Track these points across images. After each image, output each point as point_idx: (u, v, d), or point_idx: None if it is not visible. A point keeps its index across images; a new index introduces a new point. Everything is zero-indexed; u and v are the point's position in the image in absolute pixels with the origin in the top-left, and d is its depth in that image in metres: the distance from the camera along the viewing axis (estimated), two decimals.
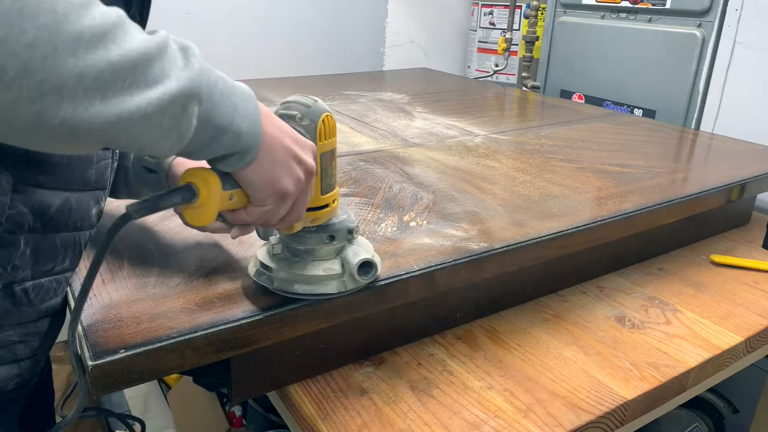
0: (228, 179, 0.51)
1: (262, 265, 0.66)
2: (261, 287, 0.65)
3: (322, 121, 0.59)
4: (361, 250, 0.65)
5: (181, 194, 0.50)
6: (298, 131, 0.57)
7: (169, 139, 0.43)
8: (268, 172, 0.51)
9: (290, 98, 0.60)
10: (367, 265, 0.64)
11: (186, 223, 0.57)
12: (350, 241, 0.66)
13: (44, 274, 0.56)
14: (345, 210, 0.67)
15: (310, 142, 0.57)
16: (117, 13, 0.38)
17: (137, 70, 0.39)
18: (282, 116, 0.58)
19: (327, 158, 0.61)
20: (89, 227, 0.60)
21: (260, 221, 0.56)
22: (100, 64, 0.36)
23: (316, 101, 0.60)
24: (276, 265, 0.64)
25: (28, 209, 0.52)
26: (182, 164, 0.70)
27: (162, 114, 0.41)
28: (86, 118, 0.37)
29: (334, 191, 0.63)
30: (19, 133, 0.37)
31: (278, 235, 0.66)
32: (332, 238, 0.64)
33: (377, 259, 0.67)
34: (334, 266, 0.65)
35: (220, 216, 0.54)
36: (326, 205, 0.62)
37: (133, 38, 0.39)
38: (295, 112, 0.59)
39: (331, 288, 0.64)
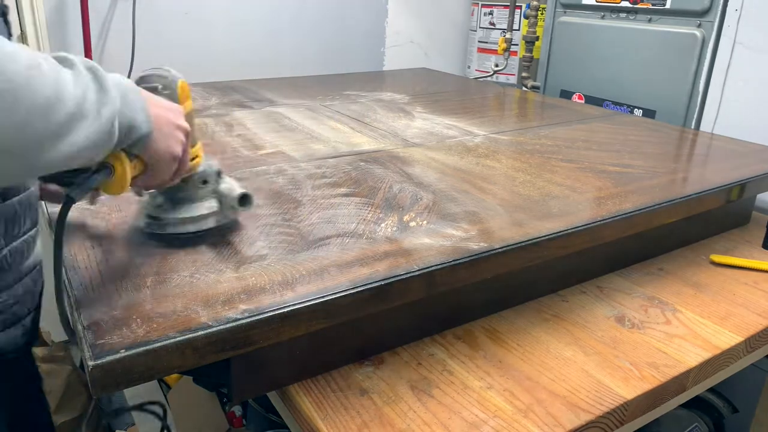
0: (129, 152, 0.62)
1: (151, 217, 0.77)
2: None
3: (180, 87, 0.70)
4: (234, 185, 0.79)
5: (103, 173, 0.60)
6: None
7: (102, 153, 0.55)
8: (163, 144, 0.64)
9: (146, 72, 0.70)
10: (245, 198, 0.77)
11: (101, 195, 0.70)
12: (219, 182, 0.79)
13: (14, 239, 0.65)
14: (208, 157, 0.79)
15: (178, 106, 0.68)
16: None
17: (72, 123, 0.49)
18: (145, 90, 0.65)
19: (191, 117, 0.73)
20: (34, 189, 0.69)
21: (161, 182, 0.68)
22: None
23: (169, 71, 0.70)
24: (164, 215, 0.76)
25: None
26: None
27: (96, 143, 0.52)
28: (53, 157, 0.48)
29: (198, 144, 0.76)
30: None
31: (149, 196, 0.78)
32: (205, 182, 0.77)
33: (250, 191, 0.79)
34: (212, 204, 0.78)
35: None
36: (196, 156, 0.75)
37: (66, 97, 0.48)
38: (156, 84, 0.69)
39: (215, 222, 0.78)
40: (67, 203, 0.57)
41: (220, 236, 0.78)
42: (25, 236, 0.66)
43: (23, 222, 0.65)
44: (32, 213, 0.68)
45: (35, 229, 0.68)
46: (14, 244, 0.64)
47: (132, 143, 0.60)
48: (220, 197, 0.78)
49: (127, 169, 0.62)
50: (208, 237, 0.78)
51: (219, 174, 0.79)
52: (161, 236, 0.77)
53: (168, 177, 0.68)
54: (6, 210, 0.61)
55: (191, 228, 0.77)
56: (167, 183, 0.70)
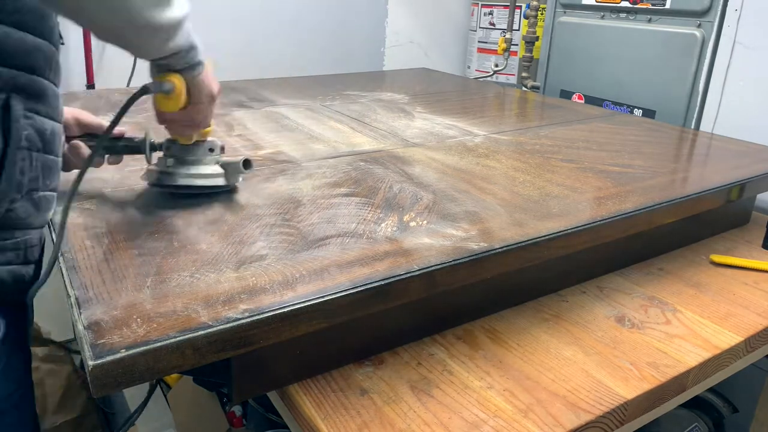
0: (185, 78, 0.79)
1: (162, 173, 0.89)
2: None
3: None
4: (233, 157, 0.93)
5: (166, 84, 0.76)
6: None
7: (184, 42, 0.74)
8: (207, 81, 0.82)
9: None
10: (247, 162, 0.90)
11: (159, 113, 0.84)
12: (221, 155, 0.93)
13: (46, 188, 0.72)
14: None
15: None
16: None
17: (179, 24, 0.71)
18: None
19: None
20: (61, 154, 0.77)
21: (198, 117, 0.84)
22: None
23: None
24: (174, 170, 0.89)
25: (34, 131, 0.68)
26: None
27: (182, 27, 0.72)
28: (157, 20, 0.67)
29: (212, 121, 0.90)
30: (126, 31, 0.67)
31: (162, 156, 0.91)
32: (212, 150, 0.91)
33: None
34: (217, 169, 0.91)
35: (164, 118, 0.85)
36: (209, 125, 0.89)
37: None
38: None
39: (223, 182, 0.91)
40: (143, 90, 0.77)
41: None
42: (53, 192, 0.74)
43: (55, 178, 0.74)
44: (58, 176, 0.76)
45: (56, 192, 0.76)
46: (46, 192, 0.72)
47: (190, 65, 0.78)
48: (225, 165, 0.92)
49: (183, 90, 0.78)
50: (206, 239, 0.78)
51: (222, 148, 0.94)
52: (169, 193, 0.90)
53: (200, 118, 0.85)
54: (44, 159, 0.70)
55: (198, 182, 0.89)
56: (196, 126, 0.86)
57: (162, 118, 0.85)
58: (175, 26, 0.70)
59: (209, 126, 0.89)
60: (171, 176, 0.88)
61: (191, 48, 0.77)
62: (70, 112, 0.90)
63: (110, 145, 0.91)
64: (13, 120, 0.65)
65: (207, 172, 0.90)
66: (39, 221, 0.72)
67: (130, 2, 0.64)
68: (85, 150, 0.88)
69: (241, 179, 0.95)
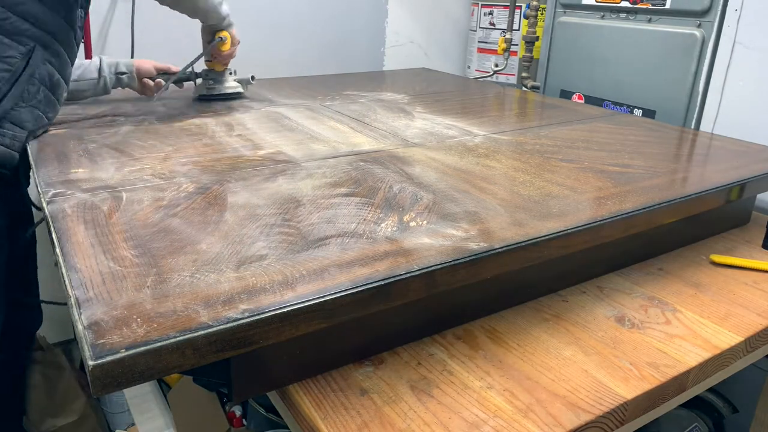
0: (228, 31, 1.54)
1: (208, 89, 1.62)
2: None
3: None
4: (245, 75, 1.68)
5: (223, 37, 1.50)
6: None
7: (225, 13, 1.49)
8: (235, 32, 1.54)
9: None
10: (252, 77, 1.67)
11: (215, 54, 1.56)
12: (236, 74, 1.66)
13: (43, 114, 1.16)
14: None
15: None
16: None
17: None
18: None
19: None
20: (60, 102, 1.22)
21: (234, 52, 1.57)
22: None
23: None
24: (214, 86, 1.62)
25: (46, 73, 1.14)
26: (141, 64, 1.53)
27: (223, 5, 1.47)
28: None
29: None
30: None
31: (202, 81, 1.64)
32: (231, 73, 1.64)
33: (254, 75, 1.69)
34: (237, 84, 1.66)
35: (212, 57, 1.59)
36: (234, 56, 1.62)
37: None
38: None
39: (242, 89, 1.67)
40: (212, 44, 1.51)
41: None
42: (49, 121, 1.20)
43: (51, 111, 1.20)
44: (56, 112, 1.23)
45: (51, 122, 1.21)
46: (43, 115, 1.16)
47: (229, 24, 1.50)
48: (240, 81, 1.66)
49: (228, 39, 1.51)
50: (206, 240, 0.78)
51: (236, 72, 1.65)
52: (214, 97, 1.63)
53: (234, 53, 1.57)
54: (49, 97, 1.16)
55: (230, 91, 1.64)
56: (230, 57, 1.58)
57: (214, 57, 1.56)
58: (220, 4, 1.44)
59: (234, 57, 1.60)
60: (214, 89, 1.62)
61: (227, 16, 1.48)
62: (149, 62, 1.54)
63: (173, 78, 1.57)
64: (32, 60, 1.10)
65: (232, 85, 1.64)
66: (31, 126, 1.12)
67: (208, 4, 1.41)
68: (151, 83, 1.55)
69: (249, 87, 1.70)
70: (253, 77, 1.66)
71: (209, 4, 1.40)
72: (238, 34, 1.53)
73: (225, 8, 1.45)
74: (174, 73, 1.56)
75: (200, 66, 1.59)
